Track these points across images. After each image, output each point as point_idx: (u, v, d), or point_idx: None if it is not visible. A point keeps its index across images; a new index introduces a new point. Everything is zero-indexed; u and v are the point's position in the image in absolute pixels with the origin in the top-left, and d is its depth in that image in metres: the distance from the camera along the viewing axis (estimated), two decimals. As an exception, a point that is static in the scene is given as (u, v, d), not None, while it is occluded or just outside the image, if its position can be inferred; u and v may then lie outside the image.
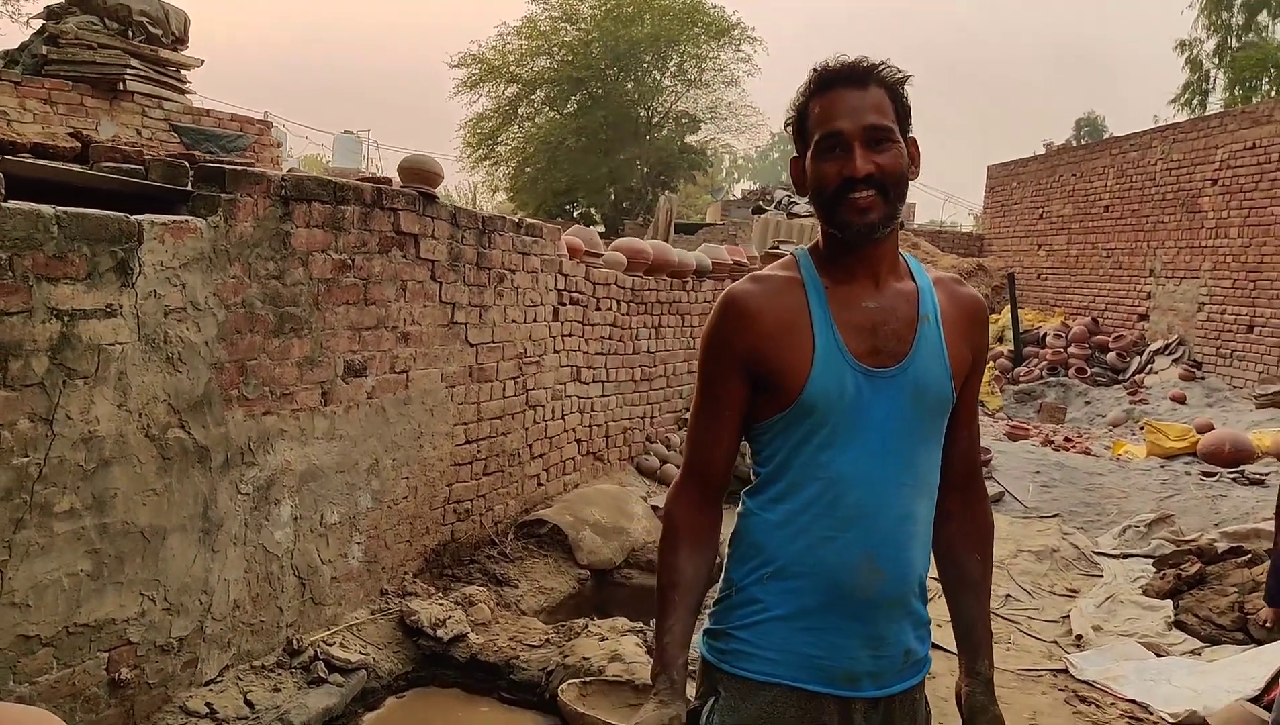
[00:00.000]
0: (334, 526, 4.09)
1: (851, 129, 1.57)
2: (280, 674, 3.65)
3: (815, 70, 1.64)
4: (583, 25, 24.26)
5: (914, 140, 1.67)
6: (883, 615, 1.62)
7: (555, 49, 24.30)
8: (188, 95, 9.39)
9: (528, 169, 25.13)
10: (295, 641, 3.79)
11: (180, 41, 9.28)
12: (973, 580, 1.79)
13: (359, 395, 4.18)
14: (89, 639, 3.03)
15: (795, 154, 1.70)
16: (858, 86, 1.59)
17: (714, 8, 24.78)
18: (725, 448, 1.70)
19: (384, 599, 4.40)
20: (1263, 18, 26.69)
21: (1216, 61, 27.70)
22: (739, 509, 1.73)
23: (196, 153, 4.21)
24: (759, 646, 1.63)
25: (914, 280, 1.70)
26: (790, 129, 1.70)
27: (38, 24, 8.87)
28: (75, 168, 3.41)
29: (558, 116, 24.94)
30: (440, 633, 4.13)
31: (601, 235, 7.26)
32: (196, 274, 3.30)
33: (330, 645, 3.84)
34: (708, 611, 1.76)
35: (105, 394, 3.00)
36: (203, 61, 9.52)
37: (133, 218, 3.06)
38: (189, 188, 3.43)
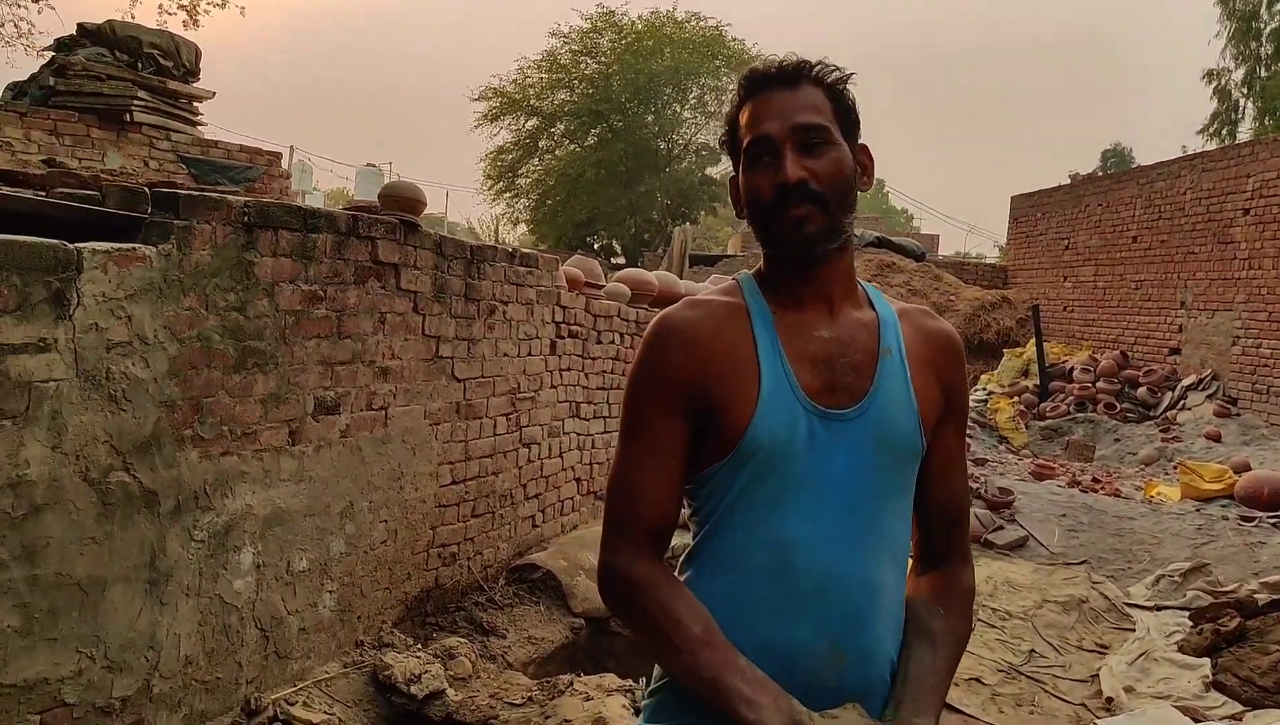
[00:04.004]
0: (302, 574, 3.83)
1: (779, 131, 1.36)
2: (235, 736, 3.39)
3: (744, 75, 1.44)
4: (603, 59, 24.30)
5: (865, 147, 1.45)
6: None
7: (575, 82, 24.34)
8: (199, 127, 9.33)
9: (548, 201, 25.13)
10: (254, 700, 3.53)
11: (191, 74, 9.26)
12: (930, 632, 1.43)
13: (331, 434, 3.94)
14: (18, 700, 2.78)
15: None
16: (788, 86, 1.39)
17: (734, 40, 24.76)
18: (670, 499, 1.43)
19: (359, 651, 4.13)
20: (1292, 47, 26.32)
21: (1245, 91, 27.32)
22: None
23: (179, 180, 4.02)
24: None
25: (874, 310, 1.46)
26: (724, 145, 1.48)
27: (48, 56, 8.85)
28: (26, 194, 3.22)
29: (578, 149, 24.93)
30: (414, 689, 3.85)
31: (621, 266, 7.03)
32: (145, 305, 3.07)
33: (292, 705, 3.57)
34: (641, 703, 1.49)
35: (37, 435, 2.77)
36: (214, 93, 9.47)
37: (71, 245, 2.84)
38: (145, 215, 3.22)
